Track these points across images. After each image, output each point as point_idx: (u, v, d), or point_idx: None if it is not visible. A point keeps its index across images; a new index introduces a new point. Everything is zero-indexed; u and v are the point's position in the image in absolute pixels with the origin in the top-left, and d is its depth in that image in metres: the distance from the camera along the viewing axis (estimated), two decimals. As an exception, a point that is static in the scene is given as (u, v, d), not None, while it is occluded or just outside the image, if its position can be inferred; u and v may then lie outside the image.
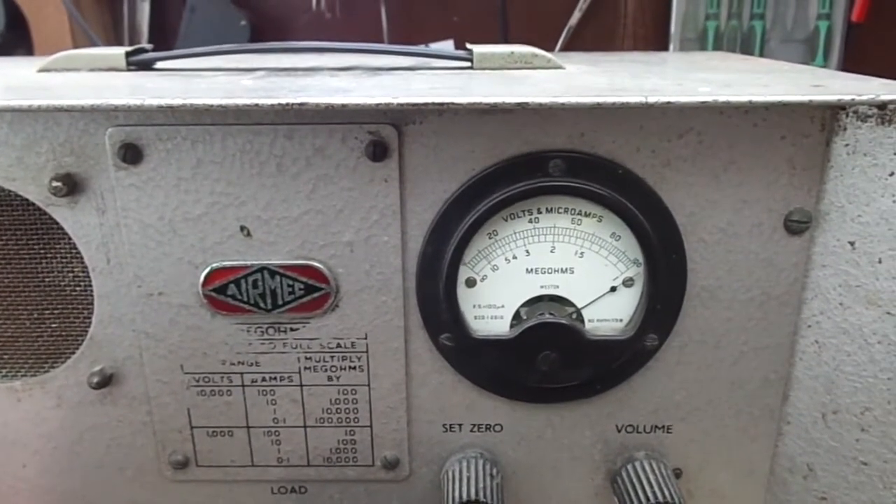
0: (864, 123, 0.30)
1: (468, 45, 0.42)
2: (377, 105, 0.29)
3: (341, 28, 0.87)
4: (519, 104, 0.29)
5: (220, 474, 0.37)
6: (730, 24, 0.80)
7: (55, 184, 0.32)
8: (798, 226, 0.33)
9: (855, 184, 0.31)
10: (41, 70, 0.41)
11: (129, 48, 0.42)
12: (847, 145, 0.31)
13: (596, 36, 0.86)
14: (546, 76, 0.38)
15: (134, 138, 0.32)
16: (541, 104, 0.29)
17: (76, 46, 0.79)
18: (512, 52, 0.41)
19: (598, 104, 0.29)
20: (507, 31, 0.86)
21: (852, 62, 0.79)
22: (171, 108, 0.29)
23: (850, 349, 0.33)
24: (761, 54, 0.80)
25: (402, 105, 0.29)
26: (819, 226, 0.33)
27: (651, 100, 0.28)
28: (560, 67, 0.41)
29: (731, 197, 0.32)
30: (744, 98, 0.29)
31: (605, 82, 0.35)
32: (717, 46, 0.80)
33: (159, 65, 0.43)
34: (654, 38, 0.83)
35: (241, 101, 0.29)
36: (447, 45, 0.88)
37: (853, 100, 0.29)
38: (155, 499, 0.38)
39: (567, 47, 0.86)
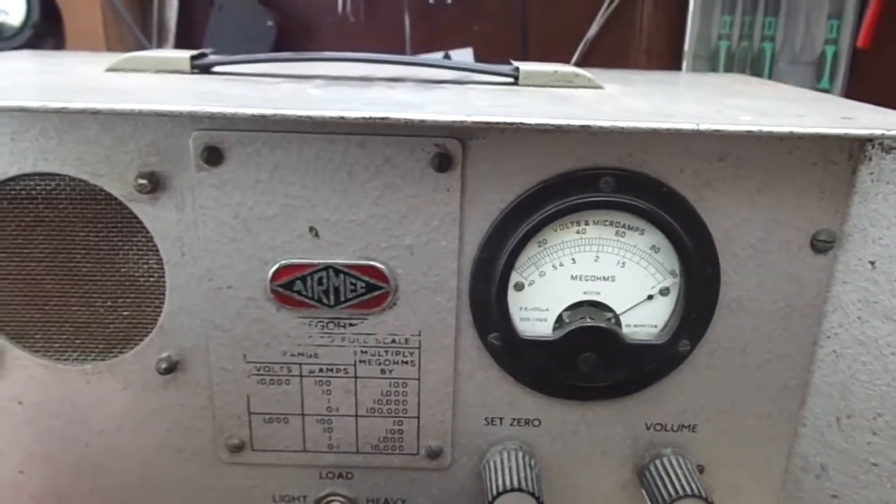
0: (889, 154, 0.33)
1: (513, 62, 0.44)
2: (452, 122, 0.32)
3: (364, 32, 0.89)
4: (582, 126, 0.31)
5: (273, 458, 0.40)
6: (741, 44, 0.83)
7: (140, 181, 0.34)
8: (823, 245, 0.36)
9: (877, 209, 0.34)
10: (110, 70, 0.44)
11: (194, 52, 0.44)
12: (871, 173, 0.34)
13: (611, 49, 0.89)
14: (591, 96, 0.41)
15: (216, 142, 0.34)
16: (602, 127, 0.31)
17: (108, 40, 0.81)
18: (556, 71, 0.44)
19: (654, 129, 0.31)
20: (526, 41, 0.88)
21: (856, 86, 0.83)
22: (262, 116, 0.31)
23: (865, 359, 0.36)
24: (770, 75, 0.83)
25: (475, 123, 0.32)
26: (842, 245, 0.36)
27: (702, 127, 0.31)
28: (600, 87, 0.44)
29: (764, 216, 0.35)
30: (785, 129, 0.31)
31: (649, 106, 0.38)
32: (728, 66, 0.83)
33: (218, 68, 0.45)
34: (667, 55, 0.86)
35: (328, 113, 0.31)
36: (467, 54, 0.91)
37: (883, 134, 0.32)
38: (209, 480, 0.40)
39: (583, 60, 0.89)
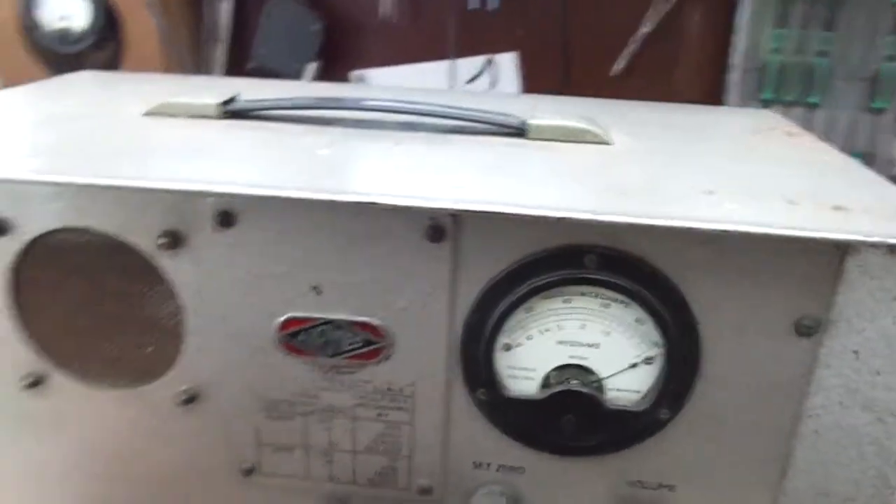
0: (878, 250, 0.33)
1: (526, 121, 0.45)
2: (436, 209, 0.34)
3: (409, 36, 0.90)
4: (559, 219, 0.33)
5: (279, 483, 0.44)
6: (794, 58, 0.81)
7: (161, 240, 0.38)
8: (807, 329, 0.36)
9: (862, 301, 0.34)
10: (146, 114, 0.47)
11: (222, 100, 0.47)
12: (860, 266, 0.34)
13: (657, 58, 0.87)
14: (595, 159, 0.42)
15: (229, 207, 0.37)
16: (580, 220, 0.33)
17: (163, 43, 0.85)
18: (564, 127, 0.45)
19: (630, 224, 0.32)
20: (568, 46, 0.88)
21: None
22: (260, 197, 0.34)
23: (844, 444, 0.37)
24: (823, 92, 0.80)
25: (459, 211, 0.33)
26: (827, 331, 0.36)
27: (676, 224, 0.32)
28: (608, 143, 0.45)
29: (748, 299, 0.36)
30: (760, 230, 0.32)
31: (646, 177, 0.39)
32: (779, 81, 0.81)
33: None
34: (714, 66, 0.84)
35: (320, 197, 0.34)
36: (510, 58, 0.91)
37: (861, 241, 0.32)
38: (224, 497, 0.45)
39: (628, 68, 0.88)
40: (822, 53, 0.79)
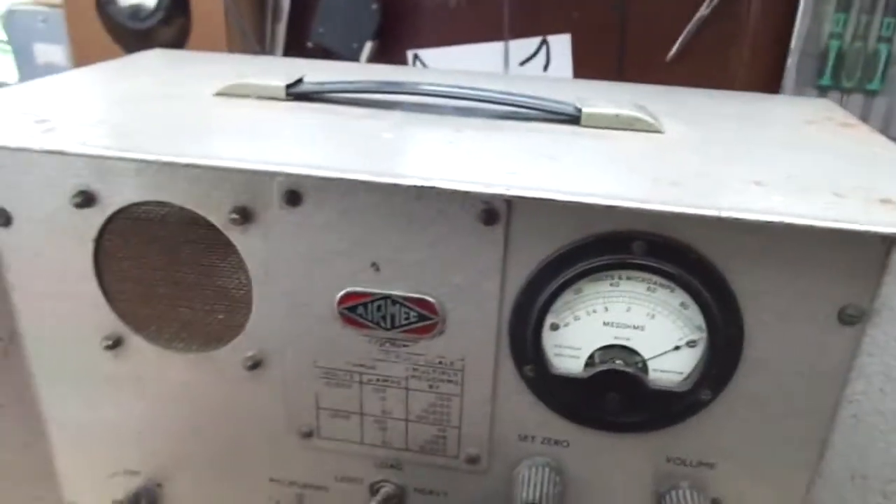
0: (923, 243, 0.34)
1: (577, 105, 0.47)
2: (492, 195, 0.35)
3: (466, 15, 0.91)
4: (609, 207, 0.34)
5: (336, 446, 0.47)
6: (854, 44, 0.79)
7: (233, 215, 0.41)
8: (851, 318, 0.37)
9: (907, 292, 0.35)
10: (217, 94, 0.50)
11: (288, 83, 0.50)
12: (905, 257, 0.35)
13: (714, 42, 0.86)
14: (646, 147, 0.43)
15: (296, 186, 0.40)
16: (629, 209, 0.34)
17: (228, 21, 0.88)
18: (617, 115, 0.46)
19: (677, 214, 0.34)
20: (626, 30, 0.88)
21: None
22: (328, 179, 0.36)
23: (883, 429, 0.38)
24: (883, 78, 0.79)
25: (512, 196, 0.35)
26: (871, 320, 0.37)
27: (724, 215, 0.33)
28: (660, 132, 0.46)
29: (792, 287, 0.37)
30: (806, 221, 0.33)
31: (695, 168, 0.40)
32: (838, 67, 0.80)
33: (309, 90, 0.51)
34: (773, 51, 0.83)
35: (385, 180, 0.36)
36: (564, 40, 0.91)
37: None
38: (284, 457, 0.48)
39: (684, 51, 0.87)
40: (884, 39, 0.77)
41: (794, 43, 0.80)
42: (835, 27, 0.78)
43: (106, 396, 0.48)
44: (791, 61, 0.80)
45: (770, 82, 0.83)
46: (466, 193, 0.35)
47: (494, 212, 0.38)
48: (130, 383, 0.47)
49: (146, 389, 0.47)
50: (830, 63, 0.79)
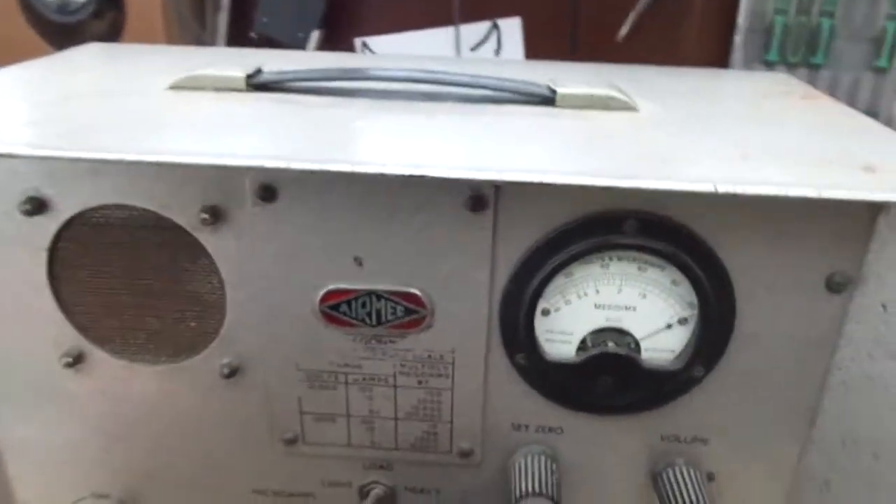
0: (909, 208, 0.35)
1: (551, 86, 0.46)
2: (482, 180, 0.34)
3: (413, 2, 0.89)
4: (602, 188, 0.33)
5: (322, 451, 0.45)
6: (798, 19, 0.81)
7: (202, 215, 0.38)
8: (838, 286, 0.38)
9: (892, 257, 0.36)
10: (171, 88, 0.47)
11: (249, 72, 0.47)
12: (891, 224, 0.35)
13: (664, 21, 0.87)
14: (625, 125, 0.42)
15: (271, 180, 0.37)
16: (623, 188, 0.33)
17: (165, 14, 0.84)
18: (592, 95, 0.45)
19: (673, 191, 0.33)
20: (578, 10, 0.87)
21: (917, 64, 0.80)
22: (311, 172, 0.34)
23: (872, 392, 0.38)
24: (826, 52, 0.81)
25: (502, 181, 0.34)
26: (858, 287, 0.37)
27: (720, 189, 0.33)
28: (635, 110, 0.45)
29: (781, 258, 0.37)
30: (802, 193, 0.33)
31: (679, 144, 0.39)
32: (783, 42, 0.81)
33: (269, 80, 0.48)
34: (721, 27, 0.84)
35: (369, 170, 0.34)
36: (515, 23, 0.90)
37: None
38: (266, 466, 0.46)
39: (634, 31, 0.87)
40: (826, 14, 0.79)
41: (740, 19, 0.81)
42: (779, 2, 0.80)
43: (68, 415, 0.45)
44: (738, 38, 0.82)
45: (719, 59, 0.84)
46: (455, 181, 0.34)
47: (482, 198, 0.37)
48: (95, 400, 0.44)
49: (113, 406, 0.44)
50: (776, 38, 0.81)
